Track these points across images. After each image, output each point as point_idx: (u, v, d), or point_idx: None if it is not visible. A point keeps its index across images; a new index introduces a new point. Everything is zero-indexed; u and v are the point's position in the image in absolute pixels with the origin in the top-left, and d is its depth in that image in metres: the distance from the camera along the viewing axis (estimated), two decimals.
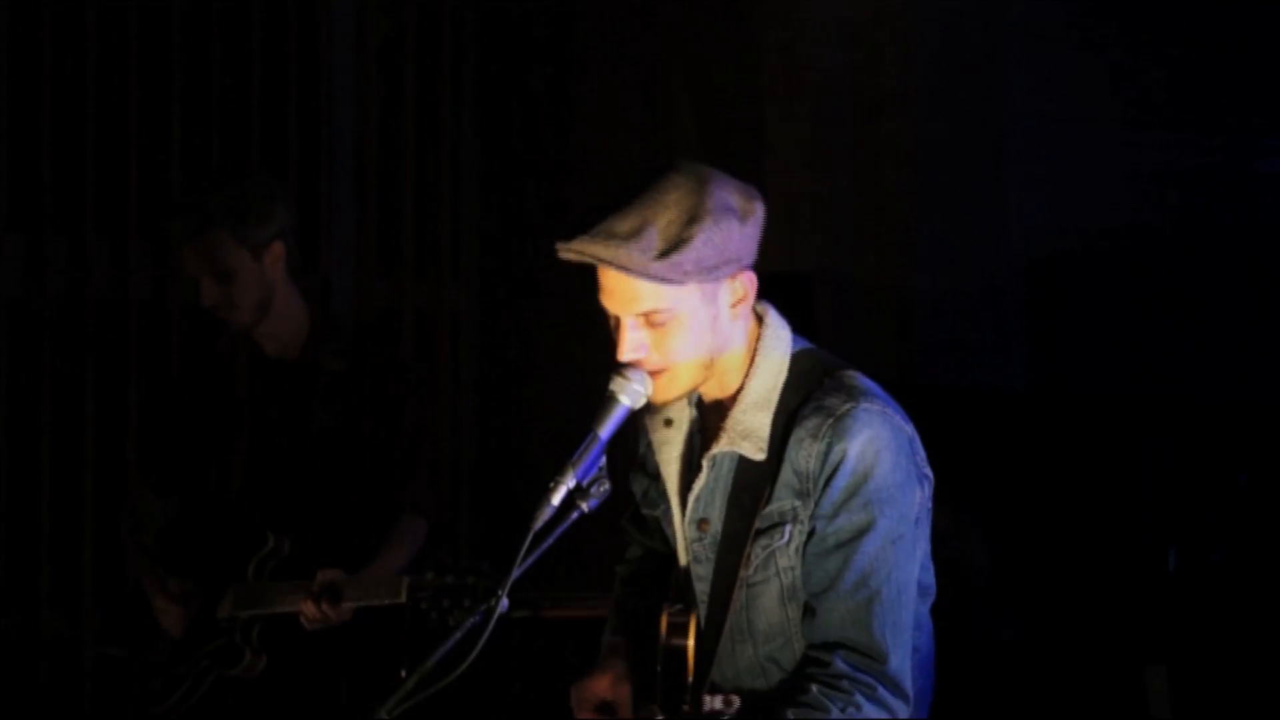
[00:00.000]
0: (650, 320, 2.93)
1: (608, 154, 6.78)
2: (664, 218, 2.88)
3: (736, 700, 2.86)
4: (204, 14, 6.41)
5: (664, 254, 2.86)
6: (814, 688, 2.87)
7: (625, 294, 2.92)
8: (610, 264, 2.88)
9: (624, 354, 2.94)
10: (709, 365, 2.97)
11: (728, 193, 2.93)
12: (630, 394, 2.95)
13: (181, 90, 6.38)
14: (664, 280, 2.87)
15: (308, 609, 4.20)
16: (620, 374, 2.95)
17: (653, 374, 2.96)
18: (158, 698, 4.45)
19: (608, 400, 2.95)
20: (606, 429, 2.93)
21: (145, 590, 4.57)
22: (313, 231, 6.63)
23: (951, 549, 4.54)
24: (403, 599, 4.10)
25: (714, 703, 2.85)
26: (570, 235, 2.91)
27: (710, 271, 2.90)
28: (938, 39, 6.21)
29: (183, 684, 4.43)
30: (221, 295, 4.34)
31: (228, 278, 4.32)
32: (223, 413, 4.56)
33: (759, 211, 2.97)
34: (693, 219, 2.88)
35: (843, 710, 2.86)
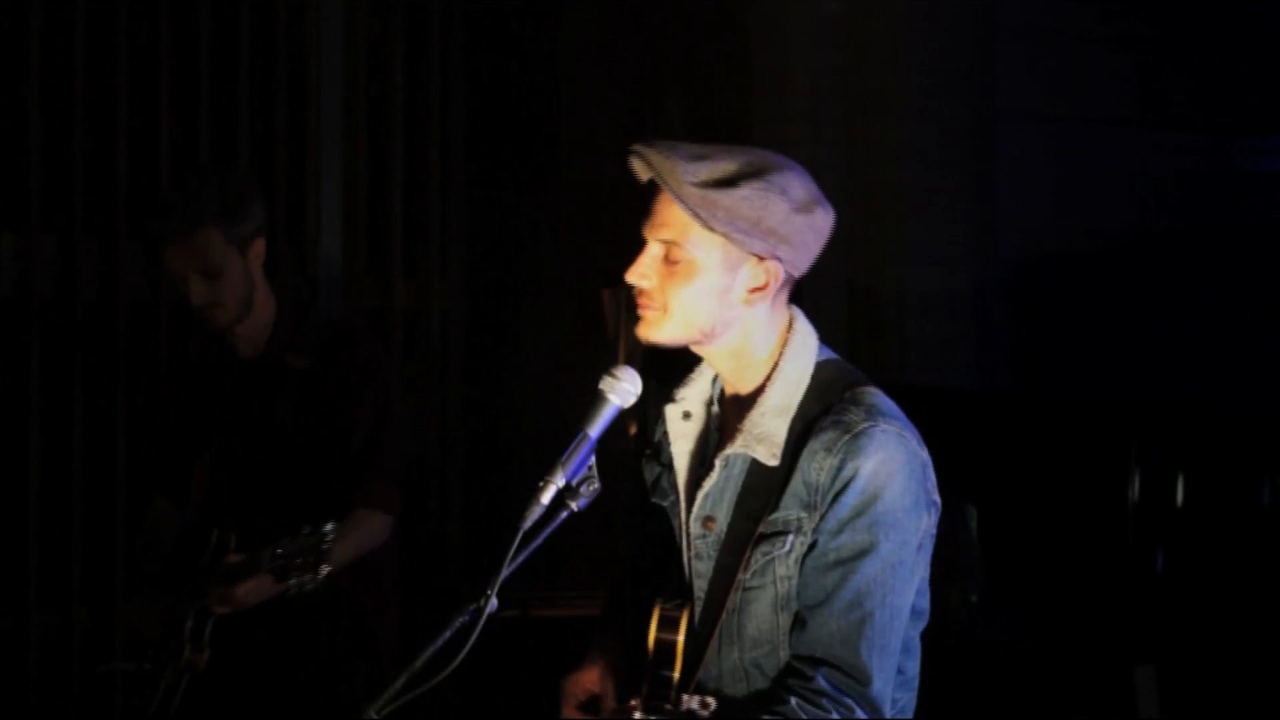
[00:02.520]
0: (669, 255, 2.94)
1: (596, 153, 6.78)
2: (725, 162, 2.91)
3: (713, 703, 2.86)
4: (192, 14, 6.41)
5: (705, 184, 2.88)
6: (793, 700, 2.87)
7: (659, 216, 2.95)
8: (656, 171, 2.91)
9: (630, 274, 2.96)
10: (706, 334, 2.97)
11: (797, 182, 2.96)
12: (620, 393, 2.95)
13: (170, 89, 6.38)
14: (694, 213, 2.89)
15: (210, 595, 4.22)
16: (611, 373, 2.95)
17: (646, 310, 2.97)
18: (145, 700, 4.46)
19: (598, 399, 2.95)
20: (596, 428, 2.93)
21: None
22: (301, 232, 6.63)
23: (941, 550, 4.54)
24: (264, 568, 4.10)
25: (691, 702, 2.86)
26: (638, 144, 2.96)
27: (741, 232, 2.90)
28: (927, 38, 6.21)
29: (159, 684, 4.43)
30: (210, 293, 4.33)
31: (216, 274, 4.32)
32: (201, 416, 4.56)
33: (818, 216, 2.98)
34: (748, 174, 2.91)
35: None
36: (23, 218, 6.21)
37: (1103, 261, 6.68)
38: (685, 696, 2.87)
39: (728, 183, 2.90)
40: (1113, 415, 5.28)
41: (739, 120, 6.34)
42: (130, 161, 6.31)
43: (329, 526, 3.99)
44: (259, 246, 4.40)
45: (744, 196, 2.89)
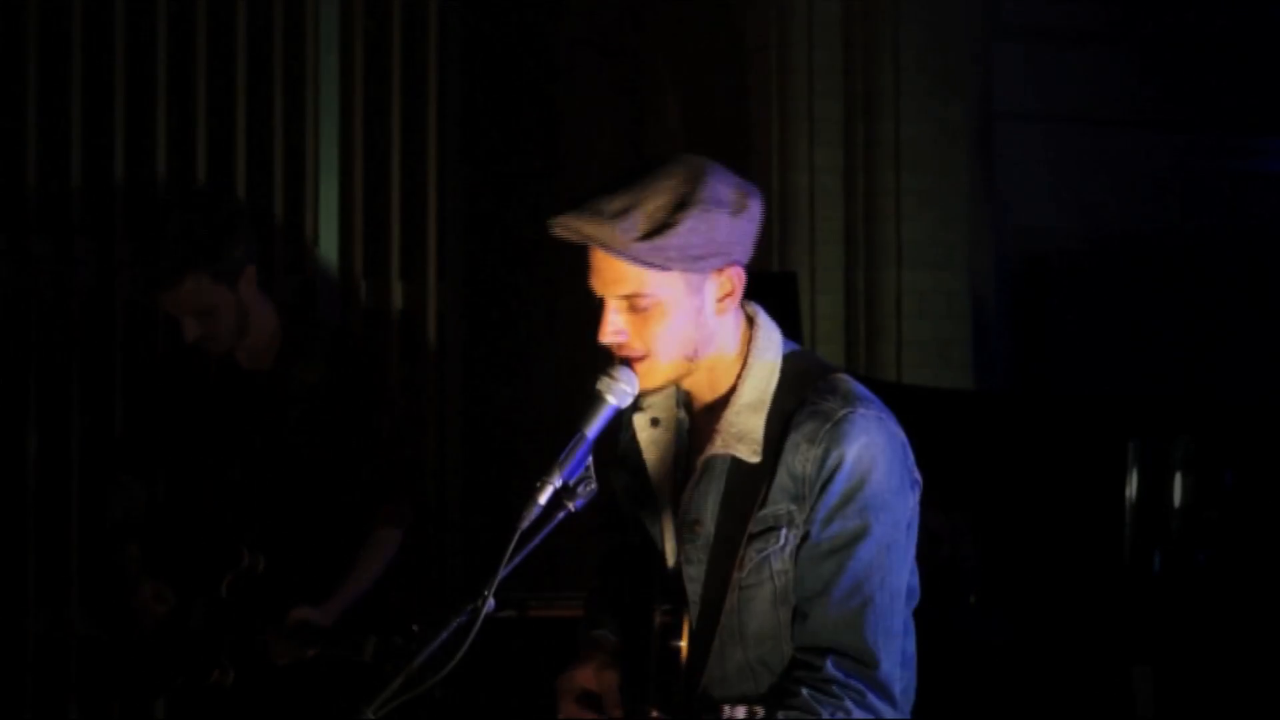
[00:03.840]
0: (633, 305, 2.92)
1: (594, 153, 6.78)
2: (653, 201, 2.88)
3: (760, 711, 2.87)
4: (190, 16, 6.41)
5: (647, 235, 2.86)
6: (804, 691, 2.87)
7: (609, 274, 2.92)
8: (593, 241, 2.88)
9: (603, 335, 2.94)
10: (691, 359, 2.96)
11: (723, 185, 2.93)
12: (617, 393, 2.94)
13: (167, 91, 6.38)
14: (646, 264, 2.87)
15: (279, 648, 4.21)
16: (607, 373, 2.95)
17: (633, 361, 2.95)
18: (145, 689, 4.46)
19: (594, 400, 2.94)
20: (593, 428, 2.92)
21: (128, 580, 4.56)
22: (298, 232, 6.63)
23: (939, 551, 4.55)
24: (367, 658, 4.10)
25: (737, 712, 2.87)
26: (562, 211, 2.91)
27: (695, 261, 2.89)
28: (926, 38, 6.21)
29: (160, 685, 4.43)
30: (202, 328, 4.31)
31: (208, 314, 4.30)
32: (197, 419, 4.55)
33: (754, 208, 2.96)
34: (681, 205, 2.88)
35: (832, 714, 2.86)
36: (20, 219, 6.21)
37: (1100, 262, 6.69)
38: (727, 707, 2.88)
39: (667, 224, 2.87)
40: (1110, 415, 5.28)
41: (737, 121, 6.34)
42: (127, 163, 6.31)
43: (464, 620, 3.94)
44: (250, 273, 4.35)
45: (688, 229, 2.87)
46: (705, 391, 3.03)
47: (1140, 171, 6.78)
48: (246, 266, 4.34)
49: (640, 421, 3.11)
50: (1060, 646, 4.95)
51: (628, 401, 2.96)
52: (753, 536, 2.95)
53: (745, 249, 2.96)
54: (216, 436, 4.51)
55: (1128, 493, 5.00)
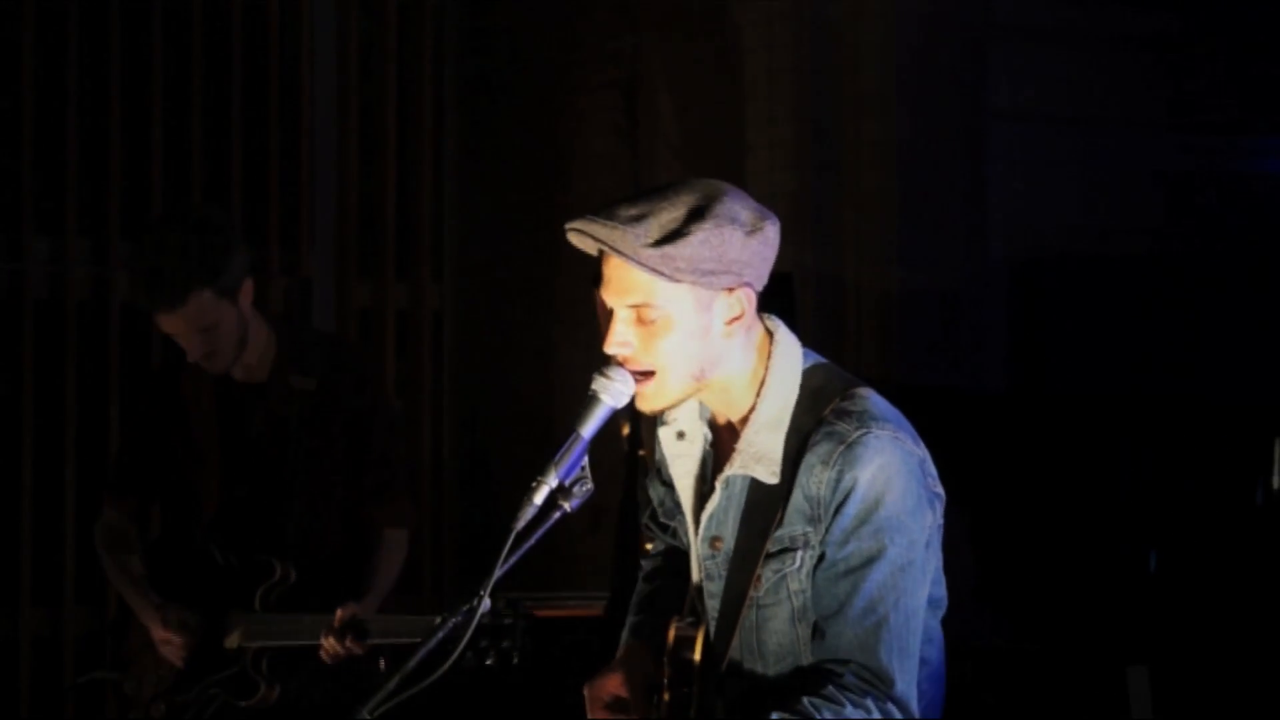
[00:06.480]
0: (641, 316, 2.93)
1: (588, 154, 6.78)
2: (668, 212, 2.89)
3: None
4: (185, 16, 6.41)
5: (658, 243, 2.87)
6: (829, 686, 2.88)
7: (620, 283, 2.93)
8: (605, 244, 2.89)
9: (609, 345, 2.95)
10: (699, 378, 2.96)
11: (739, 206, 2.94)
12: (613, 393, 2.95)
13: (163, 92, 6.39)
14: (656, 271, 2.88)
15: (330, 645, 4.21)
16: (603, 373, 2.95)
17: (639, 378, 2.95)
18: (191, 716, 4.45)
19: (590, 400, 2.94)
20: (589, 428, 2.93)
21: (137, 616, 4.53)
22: (294, 233, 6.63)
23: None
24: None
25: None
26: (576, 217, 2.93)
27: (705, 275, 2.90)
28: (919, 38, 6.21)
29: (188, 712, 4.41)
30: (206, 344, 4.31)
31: (212, 330, 4.30)
32: (189, 435, 4.54)
33: (769, 232, 2.97)
34: (694, 217, 2.89)
35: (857, 704, 2.86)
36: (16, 219, 6.21)
37: (1096, 262, 6.68)
38: None
39: (679, 234, 2.88)
40: (1105, 416, 5.28)
41: (731, 121, 6.34)
42: (124, 163, 6.31)
43: (505, 606, 3.91)
44: (248, 286, 4.36)
45: (700, 241, 2.88)
46: (724, 410, 3.04)
47: (1137, 172, 6.77)
48: (245, 280, 4.35)
49: (667, 435, 3.13)
50: (1056, 647, 4.95)
51: (624, 402, 2.96)
52: (770, 556, 2.96)
53: (757, 272, 2.97)
54: (219, 452, 4.51)
55: (1124, 493, 5.01)
